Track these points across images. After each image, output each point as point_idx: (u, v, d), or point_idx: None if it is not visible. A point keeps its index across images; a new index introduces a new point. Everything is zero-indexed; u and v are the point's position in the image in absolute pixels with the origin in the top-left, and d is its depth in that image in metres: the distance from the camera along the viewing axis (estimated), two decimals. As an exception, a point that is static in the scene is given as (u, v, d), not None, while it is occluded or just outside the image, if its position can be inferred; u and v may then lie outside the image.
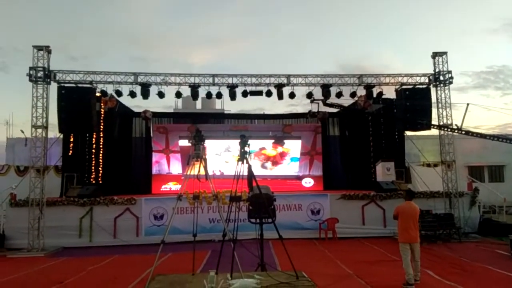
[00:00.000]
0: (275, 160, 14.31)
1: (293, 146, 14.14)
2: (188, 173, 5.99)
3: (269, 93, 13.81)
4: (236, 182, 5.72)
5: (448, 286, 7.12)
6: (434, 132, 14.16)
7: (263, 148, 15.01)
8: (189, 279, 5.16)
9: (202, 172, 5.86)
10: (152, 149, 16.02)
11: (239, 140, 5.91)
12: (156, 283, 4.92)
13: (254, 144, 6.75)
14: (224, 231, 5.85)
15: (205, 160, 5.83)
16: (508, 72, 42.91)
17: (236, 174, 5.77)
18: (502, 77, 42.51)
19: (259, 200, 6.09)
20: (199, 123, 17.70)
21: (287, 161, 14.46)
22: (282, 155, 14.43)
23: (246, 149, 5.84)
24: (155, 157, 15.53)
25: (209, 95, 13.84)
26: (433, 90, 13.81)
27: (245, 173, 5.89)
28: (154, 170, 15.61)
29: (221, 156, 16.04)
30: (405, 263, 7.14)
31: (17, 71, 43.50)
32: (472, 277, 7.75)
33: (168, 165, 15.89)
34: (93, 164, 15.53)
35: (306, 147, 15.00)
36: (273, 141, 15.12)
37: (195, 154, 5.77)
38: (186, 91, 13.91)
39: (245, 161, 5.84)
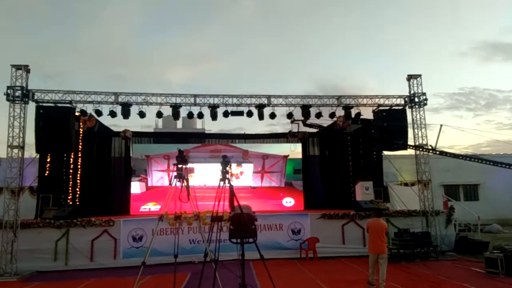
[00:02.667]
0: (237, 176, 17.59)
1: (248, 168, 17.56)
2: (170, 194, 5.99)
3: (250, 114, 13.96)
4: (218, 202, 5.76)
5: (426, 304, 7.23)
6: (410, 151, 14.56)
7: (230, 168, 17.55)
8: (169, 301, 5.10)
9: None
10: (155, 169, 17.35)
11: (221, 161, 6.00)
12: (136, 305, 4.85)
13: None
14: (206, 251, 5.83)
15: (187, 180, 5.86)
16: (478, 94, 44.74)
17: (218, 193, 5.81)
18: (473, 98, 44.26)
19: (241, 220, 6.10)
20: (180, 143, 17.69)
21: (244, 177, 17.72)
22: (241, 173, 17.78)
23: (228, 169, 5.92)
24: (160, 174, 17.25)
25: (190, 115, 13.89)
26: (408, 111, 14.24)
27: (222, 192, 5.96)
28: (159, 183, 17.11)
29: (203, 174, 16.25)
30: (370, 271, 8.43)
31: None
32: (449, 295, 7.89)
33: (169, 180, 16.65)
34: (70, 185, 15.18)
35: (258, 168, 17.71)
36: (235, 164, 17.46)
37: (177, 175, 5.81)
38: (166, 110, 13.97)
39: (226, 181, 5.90)
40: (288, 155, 17.76)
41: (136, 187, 16.74)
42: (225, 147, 17.96)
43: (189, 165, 6.07)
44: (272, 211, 15.53)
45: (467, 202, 21.77)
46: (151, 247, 6.20)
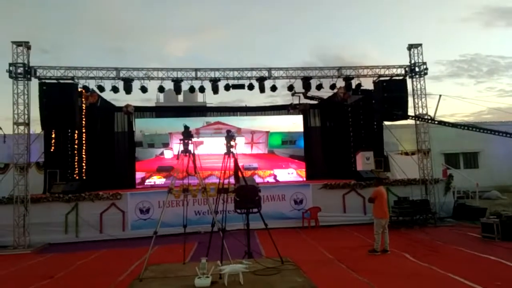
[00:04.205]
0: (234, 147, 19.34)
1: (241, 140, 17.90)
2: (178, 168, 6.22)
3: (251, 87, 14.04)
4: (223, 175, 6.00)
5: (422, 267, 7.57)
6: (411, 121, 14.69)
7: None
8: (180, 268, 5.41)
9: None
10: (176, 142, 17.13)
11: (225, 135, 6.20)
12: (150, 272, 5.16)
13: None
14: (213, 221, 6.12)
15: (193, 155, 6.07)
16: (480, 61, 44.23)
17: (223, 165, 6.04)
18: (475, 66, 43.77)
19: (245, 191, 6.37)
20: (182, 117, 17.87)
21: (238, 147, 18.50)
22: (236, 144, 18.98)
23: (232, 143, 6.12)
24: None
25: (192, 89, 14.00)
26: (409, 81, 14.28)
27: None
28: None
29: (209, 146, 16.55)
30: (378, 235, 8.77)
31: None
32: (445, 258, 8.23)
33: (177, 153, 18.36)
34: (76, 160, 15.51)
35: (248, 139, 18.37)
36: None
37: (184, 149, 6.02)
38: (167, 85, 14.06)
39: (231, 154, 6.12)
40: (269, 131, 18.52)
41: (169, 153, 17.71)
42: (224, 126, 18.37)
43: (200, 139, 6.29)
44: (275, 182, 15.89)
45: (467, 170, 22.09)
46: (162, 218, 6.45)
